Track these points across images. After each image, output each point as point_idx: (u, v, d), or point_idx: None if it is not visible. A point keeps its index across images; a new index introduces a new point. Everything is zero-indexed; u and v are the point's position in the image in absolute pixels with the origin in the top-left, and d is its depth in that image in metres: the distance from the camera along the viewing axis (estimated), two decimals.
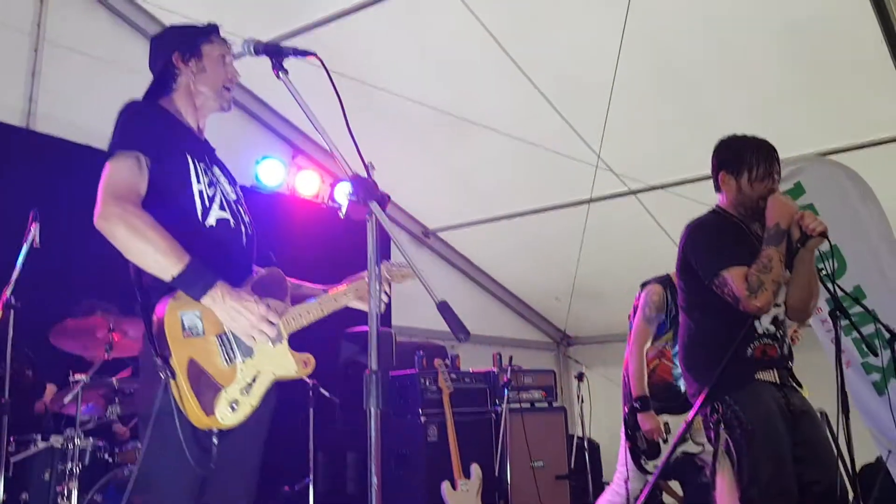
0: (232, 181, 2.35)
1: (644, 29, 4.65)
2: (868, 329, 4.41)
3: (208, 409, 1.91)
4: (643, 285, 4.40)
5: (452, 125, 5.58)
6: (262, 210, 5.51)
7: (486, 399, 5.30)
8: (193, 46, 2.27)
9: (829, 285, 2.76)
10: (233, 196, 2.26)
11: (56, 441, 3.46)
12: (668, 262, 5.99)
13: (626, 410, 4.09)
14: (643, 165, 5.91)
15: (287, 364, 2.14)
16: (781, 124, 5.19)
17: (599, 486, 5.92)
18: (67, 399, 3.50)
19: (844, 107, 4.99)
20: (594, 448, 6.47)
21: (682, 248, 2.90)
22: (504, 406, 4.99)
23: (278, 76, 1.83)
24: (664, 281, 4.31)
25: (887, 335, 3.90)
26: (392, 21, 5.02)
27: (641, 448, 4.03)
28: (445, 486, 4.53)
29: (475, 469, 4.67)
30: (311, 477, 4.48)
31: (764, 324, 2.80)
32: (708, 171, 5.97)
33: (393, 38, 5.23)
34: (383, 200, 1.54)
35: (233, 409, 1.96)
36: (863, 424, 4.71)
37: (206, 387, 1.93)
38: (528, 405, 5.59)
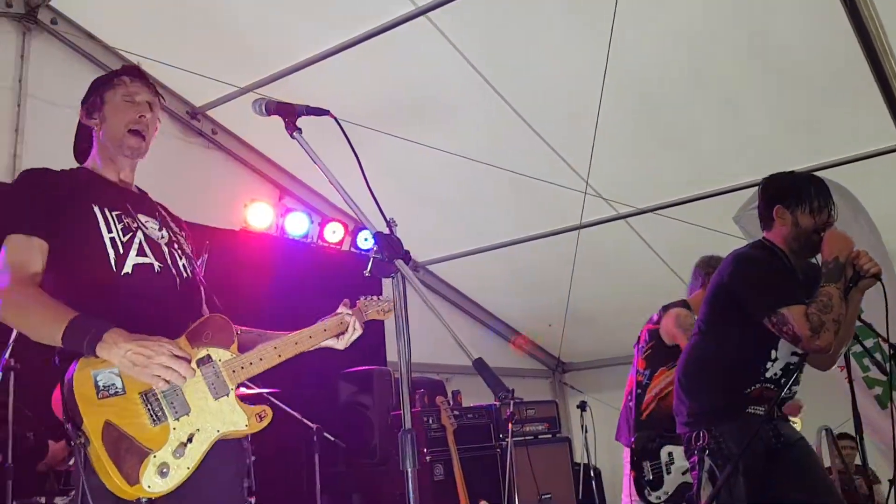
0: (169, 225, 2.21)
1: (627, 56, 4.70)
2: (869, 343, 4.44)
3: (131, 478, 1.72)
4: (663, 311, 4.28)
5: (439, 158, 5.59)
6: (253, 252, 5.55)
7: (490, 434, 5.25)
8: (96, 97, 2.20)
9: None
10: (164, 238, 2.13)
11: (61, 503, 3.36)
12: (658, 283, 6.02)
13: (633, 439, 4.06)
14: (631, 190, 5.96)
15: (235, 419, 1.93)
16: (765, 145, 5.27)
17: None
18: (72, 460, 3.41)
19: (826, 124, 5.06)
20: (597, 475, 6.42)
21: (726, 276, 2.84)
22: (509, 440, 4.94)
23: (292, 136, 1.80)
24: (684, 304, 4.26)
25: (890, 350, 3.92)
26: (372, 60, 5.03)
27: (646, 479, 3.99)
28: None
29: None
30: None
31: (774, 369, 2.82)
32: (696, 192, 6.06)
33: (374, 77, 5.24)
34: (407, 257, 1.52)
35: (163, 474, 1.76)
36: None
37: (128, 452, 1.73)
38: (531, 437, 5.55)
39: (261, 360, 2.03)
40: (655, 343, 4.25)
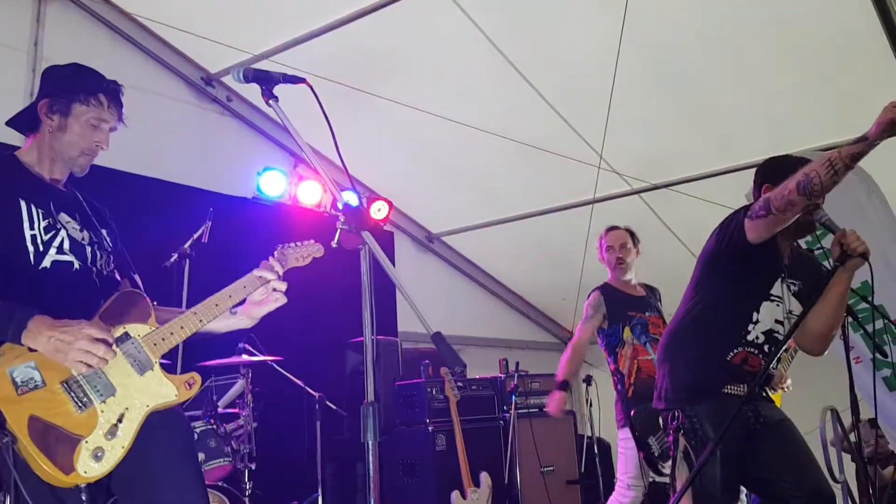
0: (94, 225, 2.19)
1: (642, 28, 4.62)
2: (878, 325, 4.38)
3: (66, 468, 1.73)
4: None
5: (453, 130, 5.57)
6: (265, 221, 5.59)
7: (493, 406, 5.28)
8: (65, 102, 2.11)
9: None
10: (85, 240, 2.11)
11: None
12: (672, 259, 5.98)
13: (634, 413, 4.08)
14: (646, 165, 5.90)
15: (164, 391, 1.96)
16: (782, 120, 5.18)
17: (611, 488, 5.89)
18: None
19: (845, 100, 4.94)
20: (604, 449, 6.43)
21: (713, 235, 2.86)
22: (512, 412, 4.97)
23: (268, 103, 1.80)
24: (601, 287, 4.54)
25: None
26: (390, 29, 5.00)
27: (655, 454, 4.01)
28: (455, 495, 4.51)
29: (485, 477, 4.65)
30: (320, 490, 4.47)
31: (755, 332, 2.78)
32: (711, 168, 5.99)
33: (391, 46, 5.21)
34: (375, 229, 1.52)
35: (97, 458, 1.78)
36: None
37: (58, 442, 1.74)
38: (536, 410, 5.57)
39: (181, 328, 2.03)
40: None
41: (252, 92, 5.84)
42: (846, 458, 4.78)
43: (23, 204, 2.00)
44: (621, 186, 6.18)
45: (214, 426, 3.80)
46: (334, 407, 4.57)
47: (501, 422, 5.19)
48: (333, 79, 4.94)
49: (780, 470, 2.70)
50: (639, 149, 5.77)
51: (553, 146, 5.65)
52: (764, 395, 2.94)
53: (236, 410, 4.11)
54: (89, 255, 2.09)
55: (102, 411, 1.84)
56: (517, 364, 5.22)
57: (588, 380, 5.26)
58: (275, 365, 4.30)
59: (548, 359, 8.37)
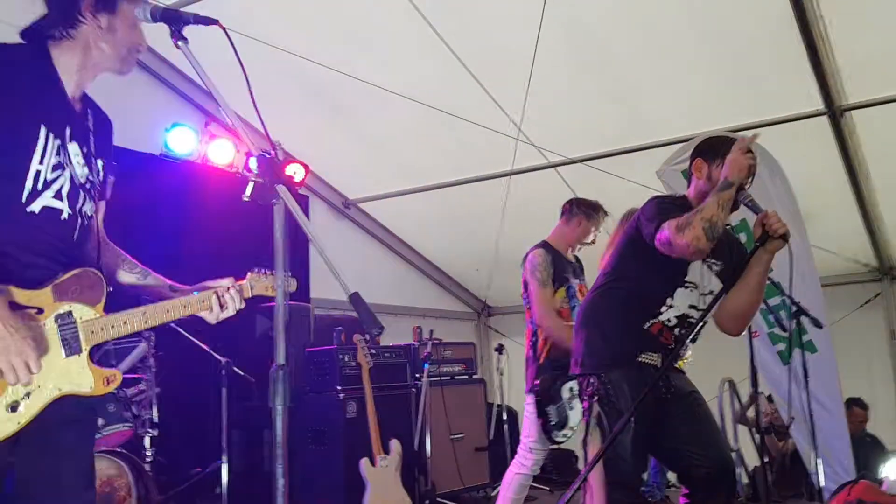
0: (90, 155, 2.01)
1: (565, 1, 4.63)
2: (774, 301, 4.59)
3: None
4: (524, 260, 4.42)
5: (373, 95, 5.47)
6: (173, 179, 5.36)
7: (405, 374, 5.26)
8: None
9: None
10: (83, 177, 1.96)
11: None
12: None
13: (539, 382, 4.13)
14: (562, 139, 5.94)
15: (81, 379, 1.87)
16: (696, 101, 5.31)
17: None
18: None
19: (754, 84, 5.11)
20: (513, 417, 6.55)
21: (637, 215, 2.88)
22: (424, 380, 4.97)
23: (177, 45, 1.68)
24: (542, 245, 4.37)
25: (793, 308, 4.06)
26: None
27: (552, 423, 4.08)
28: (364, 462, 4.48)
29: (394, 444, 4.64)
30: (226, 457, 4.36)
31: (668, 314, 2.83)
32: (626, 145, 6.10)
33: (313, 5, 5.04)
34: (291, 183, 1.45)
35: None
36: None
37: None
38: (448, 378, 5.59)
39: (125, 323, 1.95)
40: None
41: (160, 43, 5.54)
42: (742, 428, 5.01)
43: (43, 131, 1.81)
44: (538, 160, 6.23)
45: (113, 390, 3.63)
46: (242, 373, 4.46)
47: (413, 389, 5.19)
48: (248, 34, 4.75)
49: (686, 440, 2.77)
50: (556, 122, 5.82)
51: (473, 116, 5.62)
52: (676, 366, 3.01)
53: (138, 375, 3.95)
54: (80, 202, 1.93)
55: (13, 383, 1.74)
56: (431, 332, 5.22)
57: (499, 348, 5.32)
58: (179, 329, 4.15)
59: (461, 327, 8.45)
